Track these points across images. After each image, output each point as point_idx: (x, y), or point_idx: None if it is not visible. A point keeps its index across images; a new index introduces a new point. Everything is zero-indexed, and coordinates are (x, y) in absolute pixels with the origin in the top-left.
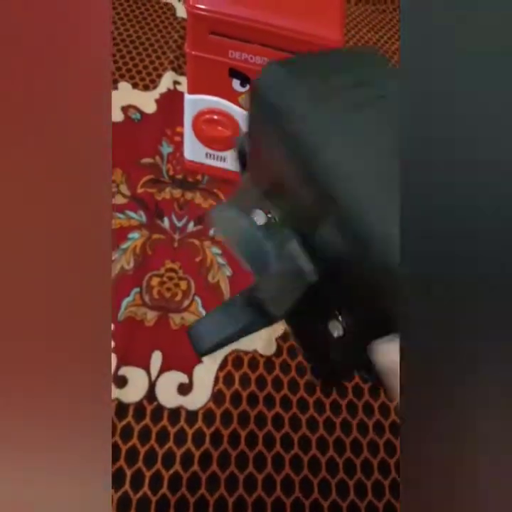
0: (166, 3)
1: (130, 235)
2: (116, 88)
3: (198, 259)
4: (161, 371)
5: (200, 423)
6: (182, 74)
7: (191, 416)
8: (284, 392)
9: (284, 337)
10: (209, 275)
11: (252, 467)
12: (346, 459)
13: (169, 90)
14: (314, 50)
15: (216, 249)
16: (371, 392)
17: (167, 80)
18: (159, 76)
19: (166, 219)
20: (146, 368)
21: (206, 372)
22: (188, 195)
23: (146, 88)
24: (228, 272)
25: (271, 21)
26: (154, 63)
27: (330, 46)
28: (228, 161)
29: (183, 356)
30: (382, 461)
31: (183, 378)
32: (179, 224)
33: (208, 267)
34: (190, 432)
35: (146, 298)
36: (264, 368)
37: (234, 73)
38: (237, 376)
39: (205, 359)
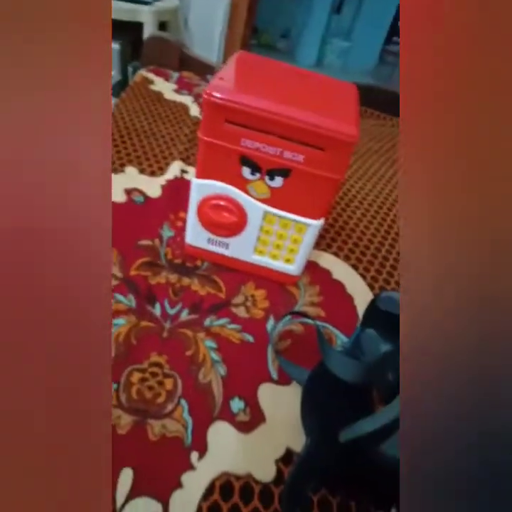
0: (181, 103)
1: (115, 321)
2: (122, 171)
3: (188, 353)
4: (130, 497)
5: None
6: (190, 164)
7: None
8: None
9: (285, 459)
10: (200, 374)
11: None
12: None
13: (176, 178)
14: (328, 143)
15: (211, 343)
16: None
17: (175, 169)
18: (167, 164)
19: (157, 305)
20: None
21: (186, 501)
22: (185, 281)
23: (152, 174)
24: (222, 370)
25: (285, 112)
26: (164, 153)
27: (345, 142)
28: (230, 248)
29: (160, 477)
30: None
31: (156, 508)
32: (172, 311)
33: (199, 363)
34: None
35: (123, 397)
36: (260, 500)
37: (245, 161)
38: (224, 509)
39: (185, 484)
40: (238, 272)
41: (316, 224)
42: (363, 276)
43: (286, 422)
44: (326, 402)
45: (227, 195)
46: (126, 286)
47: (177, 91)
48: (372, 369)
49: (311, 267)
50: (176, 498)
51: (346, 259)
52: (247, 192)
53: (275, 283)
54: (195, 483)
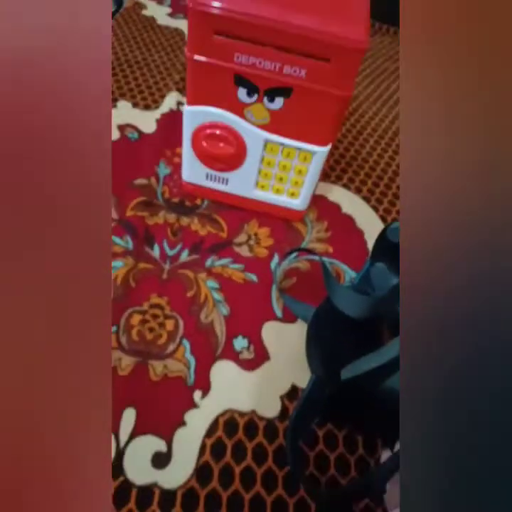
0: (176, 29)
1: (113, 264)
2: (114, 106)
3: (189, 294)
4: (133, 435)
5: (177, 508)
6: None
7: (167, 497)
8: (289, 467)
9: (290, 395)
10: (201, 314)
11: None
12: None
13: (172, 110)
14: (334, 52)
15: (212, 283)
16: None
17: (170, 100)
18: (162, 96)
19: (156, 246)
20: (115, 430)
21: (190, 438)
22: (184, 221)
23: (147, 107)
24: (225, 310)
25: (283, 18)
26: (158, 84)
27: (353, 49)
28: (230, 184)
29: (163, 416)
30: None
31: (160, 445)
32: (171, 252)
33: (200, 303)
34: None
35: (123, 339)
36: (264, 436)
37: (240, 81)
38: (229, 445)
39: (189, 421)
40: (240, 210)
41: (323, 151)
42: (375, 209)
43: (292, 359)
44: (332, 338)
45: (222, 122)
46: (122, 227)
47: (171, 15)
48: (380, 303)
49: (319, 202)
50: (180, 435)
51: (357, 191)
52: (244, 117)
53: (280, 220)
54: (198, 420)
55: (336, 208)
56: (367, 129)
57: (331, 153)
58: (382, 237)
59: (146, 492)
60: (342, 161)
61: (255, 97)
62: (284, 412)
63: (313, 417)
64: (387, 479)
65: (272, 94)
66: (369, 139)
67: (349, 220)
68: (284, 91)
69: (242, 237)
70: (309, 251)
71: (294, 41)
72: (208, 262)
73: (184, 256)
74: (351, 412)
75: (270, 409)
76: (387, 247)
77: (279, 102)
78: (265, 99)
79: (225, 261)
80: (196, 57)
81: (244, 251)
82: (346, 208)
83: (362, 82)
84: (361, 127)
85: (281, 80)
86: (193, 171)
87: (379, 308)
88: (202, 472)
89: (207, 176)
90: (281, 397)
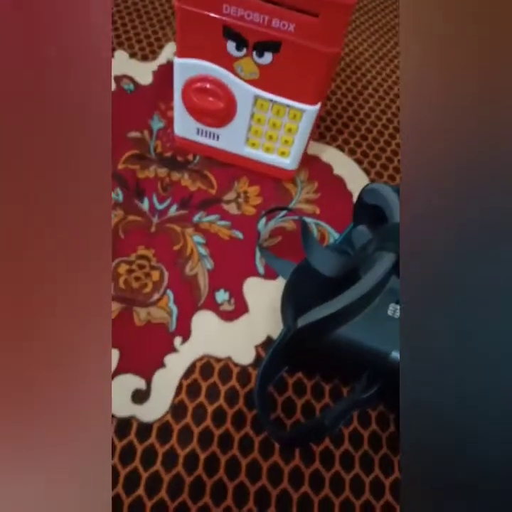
0: None
1: None
2: (112, 56)
3: (176, 248)
4: (116, 373)
5: (152, 439)
6: None
7: (143, 429)
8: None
9: (265, 345)
10: (186, 267)
11: (208, 497)
12: (324, 496)
13: (169, 62)
14: (323, 7)
15: (199, 238)
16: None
17: (169, 51)
18: (161, 47)
19: (146, 200)
20: None
21: (168, 378)
22: (175, 176)
23: (144, 58)
24: (209, 264)
25: None
26: (157, 34)
27: (341, 4)
28: (221, 140)
29: (144, 358)
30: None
31: (140, 384)
32: (160, 206)
33: (186, 257)
34: (139, 448)
35: (111, 287)
36: (238, 380)
37: (229, 33)
38: (204, 386)
39: (168, 364)
40: (232, 167)
41: (312, 109)
42: (367, 172)
43: (270, 313)
44: (306, 294)
45: (212, 76)
46: (113, 180)
47: None
48: (351, 262)
49: (312, 162)
50: (159, 375)
51: (351, 153)
52: (234, 72)
53: (270, 179)
54: (177, 363)
55: (328, 169)
56: (368, 88)
57: (328, 113)
58: (359, 200)
59: (125, 423)
60: (339, 121)
61: (244, 50)
62: (258, 360)
63: (283, 366)
64: (339, 418)
65: (260, 48)
66: (369, 100)
67: (340, 181)
68: (273, 45)
69: (231, 195)
70: (289, 209)
71: None
72: (196, 218)
73: (173, 210)
74: (310, 358)
75: (245, 356)
76: (364, 210)
77: (268, 57)
78: (254, 53)
79: (212, 217)
80: (184, 6)
81: (232, 209)
82: (338, 170)
83: (367, 40)
84: (362, 87)
85: (270, 34)
86: (184, 125)
87: (350, 266)
88: (177, 409)
89: (198, 131)
90: (256, 347)
